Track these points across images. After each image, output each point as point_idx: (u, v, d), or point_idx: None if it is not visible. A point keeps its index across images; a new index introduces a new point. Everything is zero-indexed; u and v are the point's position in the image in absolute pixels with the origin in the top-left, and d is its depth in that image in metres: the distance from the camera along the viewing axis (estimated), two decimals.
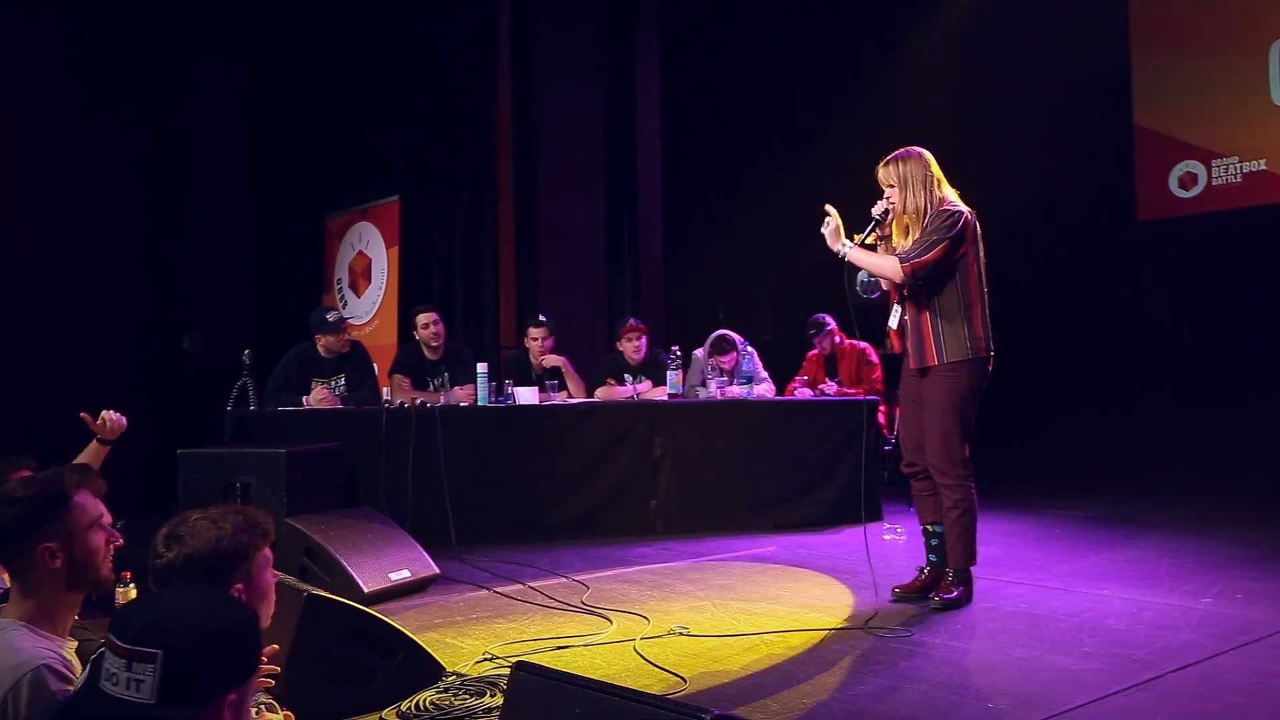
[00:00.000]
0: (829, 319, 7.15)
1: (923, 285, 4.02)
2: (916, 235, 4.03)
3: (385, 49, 9.15)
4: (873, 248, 4.16)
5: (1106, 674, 3.11)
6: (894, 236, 4.16)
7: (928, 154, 4.11)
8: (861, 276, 7.19)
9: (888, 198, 4.10)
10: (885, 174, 4.11)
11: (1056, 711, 2.80)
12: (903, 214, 4.09)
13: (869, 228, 4.11)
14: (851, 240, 4.11)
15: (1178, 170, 8.48)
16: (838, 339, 7.15)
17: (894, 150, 4.16)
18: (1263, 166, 7.99)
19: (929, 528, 4.22)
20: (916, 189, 4.05)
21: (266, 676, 2.40)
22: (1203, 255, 8.33)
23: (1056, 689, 2.98)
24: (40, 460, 3.28)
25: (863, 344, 7.21)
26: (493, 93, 8.40)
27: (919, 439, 4.15)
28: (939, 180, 4.09)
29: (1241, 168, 8.10)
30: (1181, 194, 8.46)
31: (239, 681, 1.41)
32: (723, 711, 1.70)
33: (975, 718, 2.77)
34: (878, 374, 7.05)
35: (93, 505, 2.19)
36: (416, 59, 8.93)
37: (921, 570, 4.24)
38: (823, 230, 4.14)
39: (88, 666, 1.89)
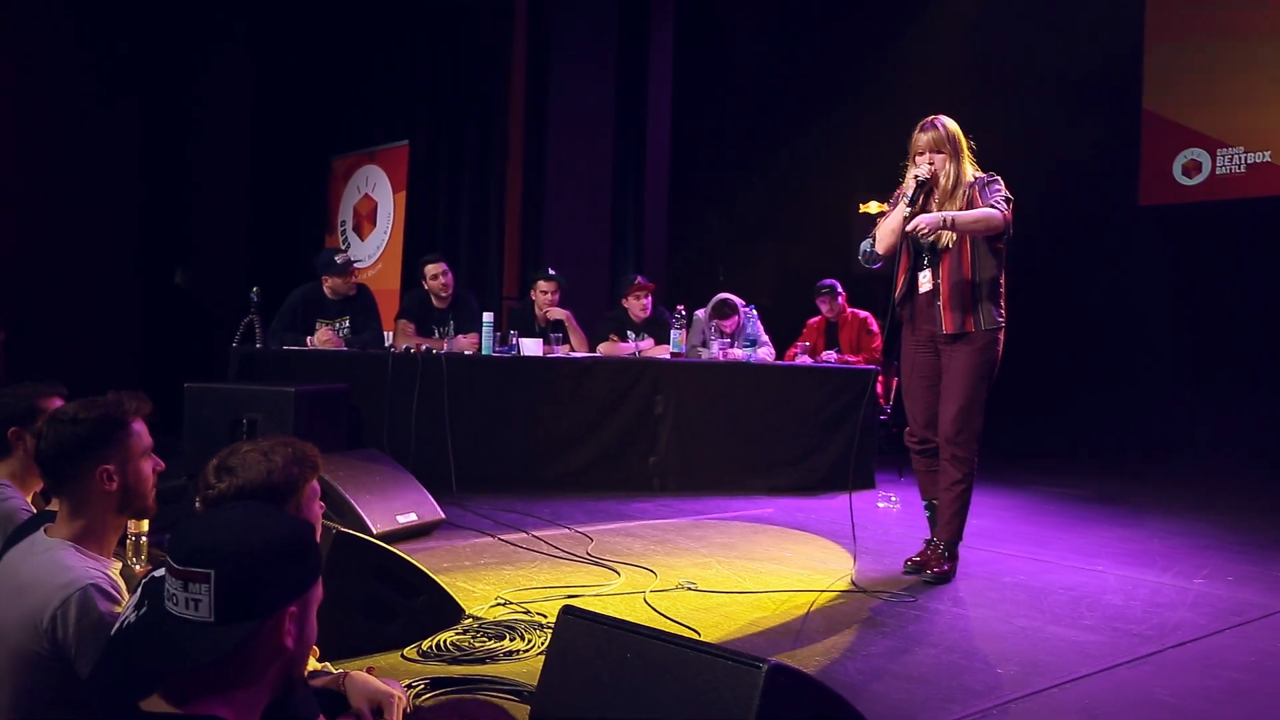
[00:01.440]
0: (838, 284, 7.19)
1: (975, 248, 3.96)
2: (957, 203, 3.92)
3: None
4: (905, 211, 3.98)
5: (1109, 646, 3.20)
6: (931, 204, 4.01)
7: None
8: (864, 246, 7.19)
9: (930, 161, 3.98)
10: (931, 139, 4.00)
11: (1064, 679, 2.88)
12: (943, 181, 3.98)
13: (915, 194, 3.93)
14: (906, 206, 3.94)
15: (1182, 157, 8.54)
16: (842, 304, 7.20)
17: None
18: (1267, 158, 8.05)
19: (934, 502, 4.18)
20: (961, 156, 4.00)
21: None
22: (1202, 243, 8.41)
23: (1062, 658, 3.06)
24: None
25: (864, 313, 7.27)
26: (507, 43, 8.34)
27: (933, 412, 4.08)
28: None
29: (1246, 158, 8.17)
30: (1185, 181, 8.52)
31: (298, 593, 1.44)
32: (779, 662, 1.75)
33: (985, 682, 2.85)
34: (878, 343, 7.11)
35: (146, 434, 2.24)
36: (431, 4, 8.83)
37: (928, 542, 4.18)
38: (915, 222, 3.86)
39: (138, 588, 1.92)
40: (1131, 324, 8.63)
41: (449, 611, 3.24)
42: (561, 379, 6.10)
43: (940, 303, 3.99)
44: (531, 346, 6.19)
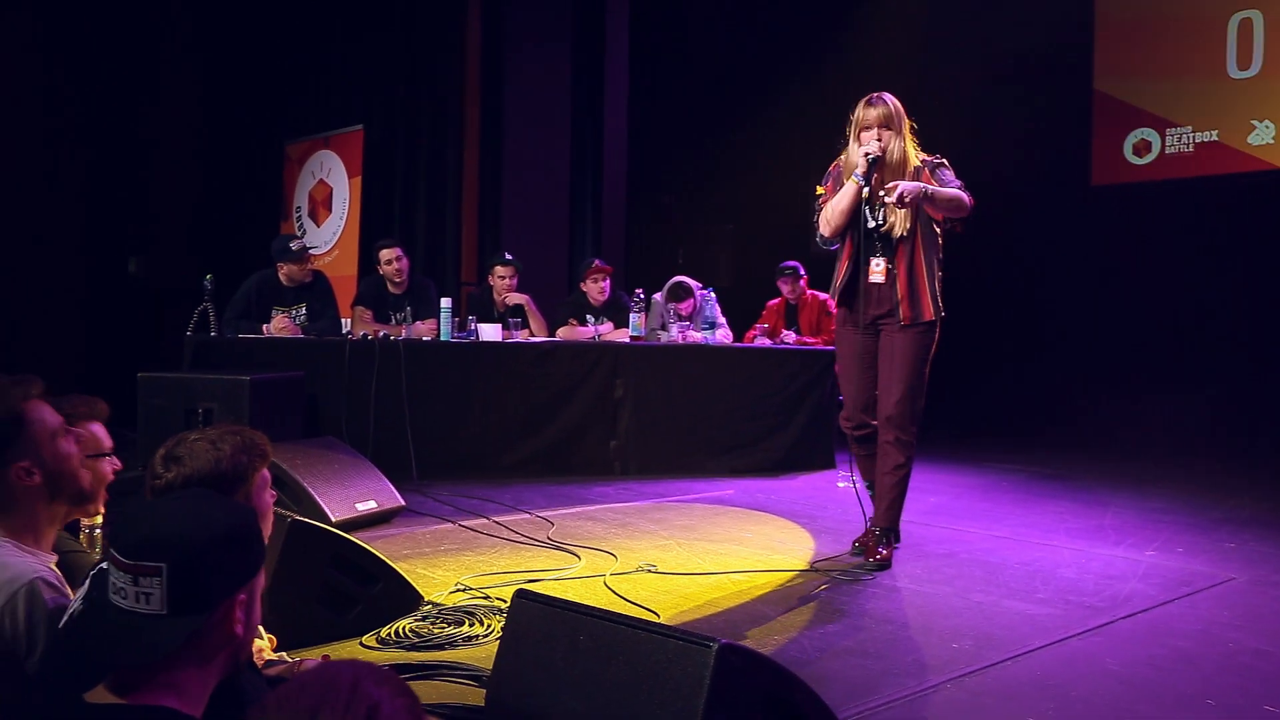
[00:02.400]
0: (800, 266, 7.22)
1: (926, 233, 3.90)
2: (905, 179, 3.81)
3: None
4: (859, 192, 3.90)
5: (1062, 619, 3.26)
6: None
7: None
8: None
9: (879, 138, 3.86)
10: (879, 114, 3.88)
11: (1017, 652, 2.92)
12: (892, 158, 3.87)
13: (868, 171, 3.82)
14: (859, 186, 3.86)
15: (1133, 137, 8.63)
16: (802, 287, 7.23)
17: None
18: (1215, 138, 8.16)
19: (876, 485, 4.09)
20: (904, 134, 3.91)
21: None
22: (1152, 222, 8.51)
23: (1016, 632, 3.11)
24: None
25: (824, 295, 7.29)
26: (461, 25, 8.28)
27: (870, 396, 4.00)
28: None
29: (1194, 137, 8.27)
30: (1135, 160, 8.62)
31: (246, 579, 1.44)
32: (730, 641, 1.76)
33: (942, 657, 2.88)
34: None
35: (49, 414, 2.11)
36: None
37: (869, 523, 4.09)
38: (892, 198, 3.74)
39: (86, 579, 1.90)
40: (1083, 303, 8.73)
41: (407, 598, 3.23)
42: (521, 364, 6.09)
43: (899, 292, 3.89)
44: (490, 332, 6.17)
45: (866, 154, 3.84)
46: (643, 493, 5.54)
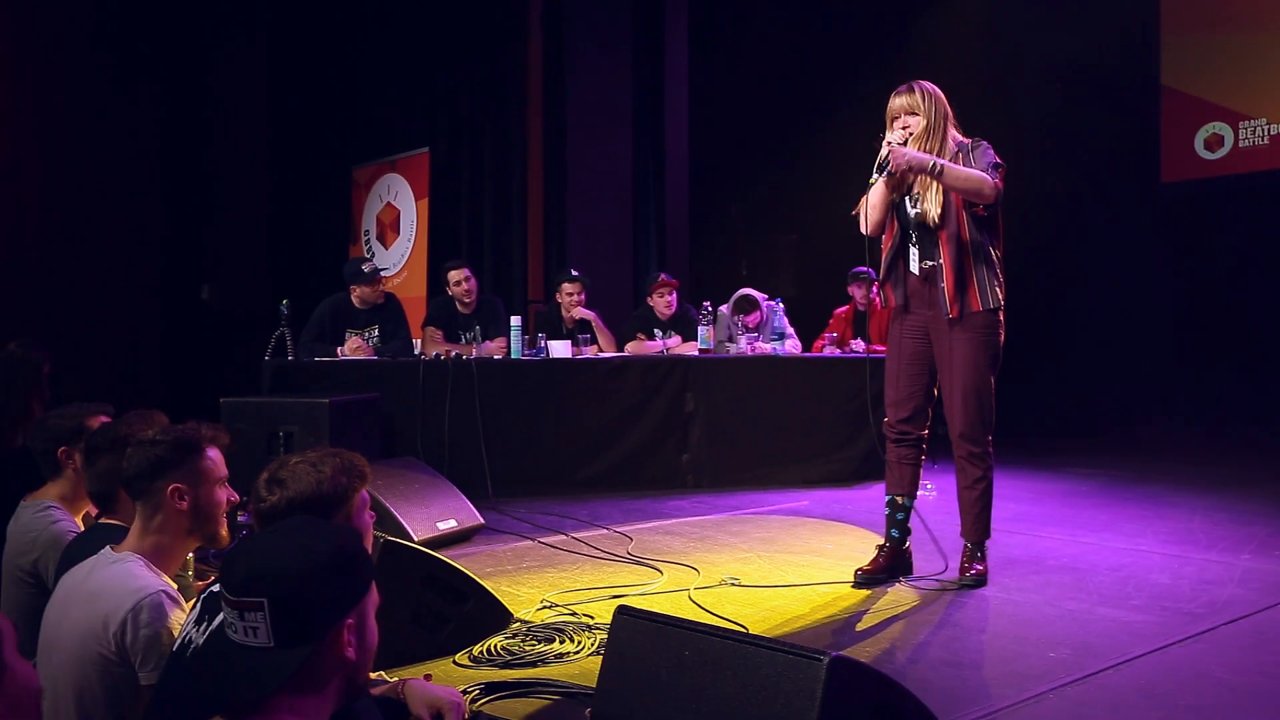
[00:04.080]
0: (873, 271, 7.17)
1: (971, 221, 3.66)
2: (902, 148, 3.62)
3: (414, 2, 9.08)
4: (871, 183, 3.72)
5: (1160, 626, 3.19)
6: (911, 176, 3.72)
7: None
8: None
9: (905, 126, 3.68)
10: (909, 101, 3.70)
11: (1117, 661, 2.87)
12: (923, 146, 3.65)
13: (886, 159, 3.61)
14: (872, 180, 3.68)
15: (1204, 132, 8.47)
16: (874, 294, 7.18)
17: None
18: None
19: (899, 499, 3.85)
20: (942, 121, 3.70)
21: None
22: (1227, 217, 8.34)
23: (1114, 640, 3.05)
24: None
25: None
26: (523, 45, 8.37)
27: (918, 404, 3.78)
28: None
29: (1269, 129, 8.09)
30: (1207, 155, 8.45)
31: (352, 605, 1.46)
32: (840, 654, 1.76)
33: (1040, 666, 2.84)
34: None
35: (222, 463, 2.32)
36: (447, 11, 8.85)
37: (880, 548, 3.86)
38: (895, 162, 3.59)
39: (197, 602, 1.96)
40: (1158, 302, 8.56)
41: (498, 616, 3.26)
42: (592, 379, 6.11)
43: (943, 284, 3.65)
44: (560, 348, 6.21)
45: (888, 141, 3.64)
46: (717, 506, 5.53)
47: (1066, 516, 5.06)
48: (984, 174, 3.57)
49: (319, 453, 2.11)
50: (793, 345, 6.62)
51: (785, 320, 6.79)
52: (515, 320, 6.17)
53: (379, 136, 9.43)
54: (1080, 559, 4.12)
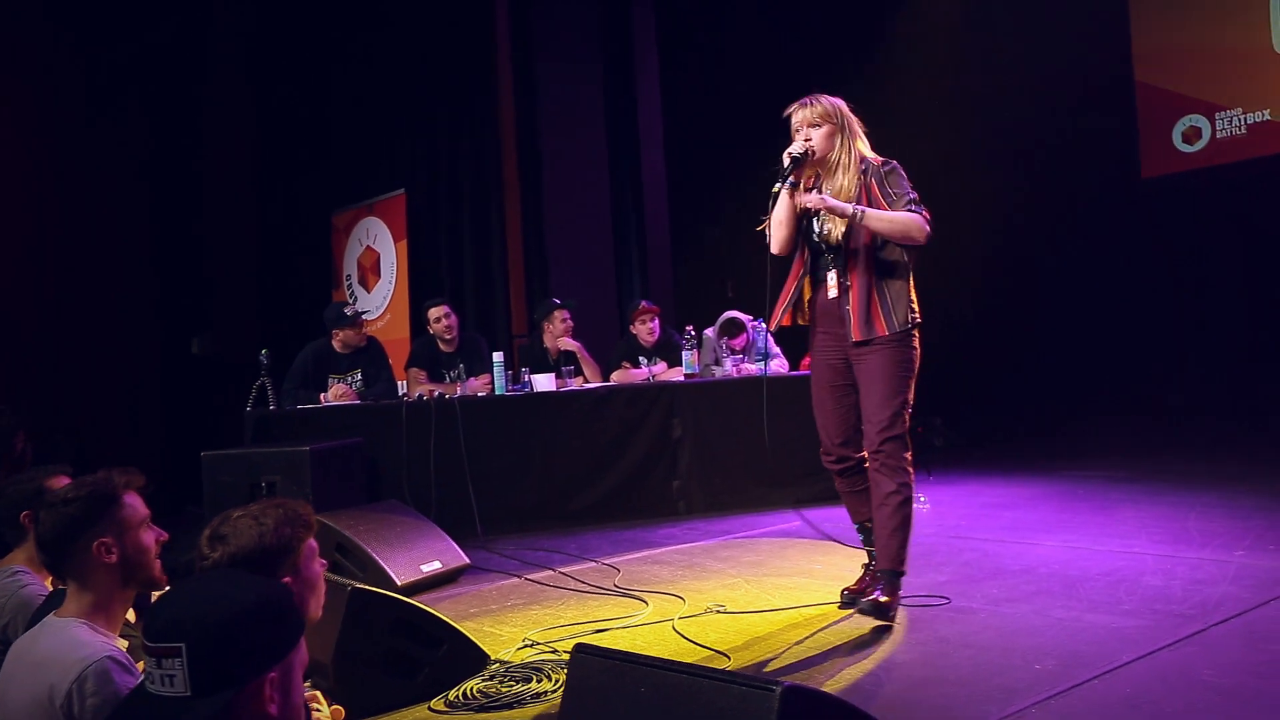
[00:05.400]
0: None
1: (883, 247, 3.49)
2: (845, 184, 3.49)
3: (384, 44, 9.12)
4: (778, 194, 3.54)
5: (1150, 630, 3.12)
6: (802, 184, 3.57)
7: None
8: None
9: (807, 138, 3.50)
10: (813, 113, 3.52)
11: (1105, 669, 2.80)
12: (828, 159, 3.52)
13: (787, 170, 3.46)
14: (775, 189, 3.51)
15: (1181, 125, 8.45)
16: None
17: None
18: (1267, 117, 7.96)
19: (867, 524, 3.73)
20: (851, 134, 3.54)
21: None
22: (1209, 210, 8.30)
23: (1103, 648, 2.98)
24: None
25: None
26: (493, 80, 8.38)
27: (850, 426, 3.62)
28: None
29: (1245, 119, 8.07)
30: (1186, 149, 8.43)
31: (276, 659, 1.42)
32: (793, 683, 1.70)
33: (1026, 679, 2.77)
34: None
35: (141, 505, 2.27)
36: (416, 51, 8.89)
37: (866, 567, 3.79)
38: (807, 201, 3.46)
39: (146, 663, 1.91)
40: (1144, 300, 8.52)
41: (473, 659, 3.19)
42: (577, 411, 6.07)
43: (849, 307, 3.49)
44: (544, 382, 6.17)
45: (789, 153, 3.49)
46: (709, 531, 5.47)
47: (1060, 521, 4.99)
48: (912, 217, 3.41)
49: (262, 504, 2.07)
50: (779, 365, 6.57)
51: (771, 340, 6.74)
52: (498, 356, 6.14)
53: (356, 180, 9.45)
54: (1072, 565, 4.06)
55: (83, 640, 2.08)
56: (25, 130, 8.90)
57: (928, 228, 3.43)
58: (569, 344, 6.60)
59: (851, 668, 3.01)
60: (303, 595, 2.02)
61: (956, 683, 2.80)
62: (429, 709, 2.97)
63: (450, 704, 2.97)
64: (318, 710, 2.43)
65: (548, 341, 6.70)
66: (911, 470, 3.50)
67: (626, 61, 8.64)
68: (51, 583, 2.95)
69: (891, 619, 3.37)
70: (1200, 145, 8.33)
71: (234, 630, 1.37)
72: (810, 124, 3.53)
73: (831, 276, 3.56)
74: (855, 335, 3.48)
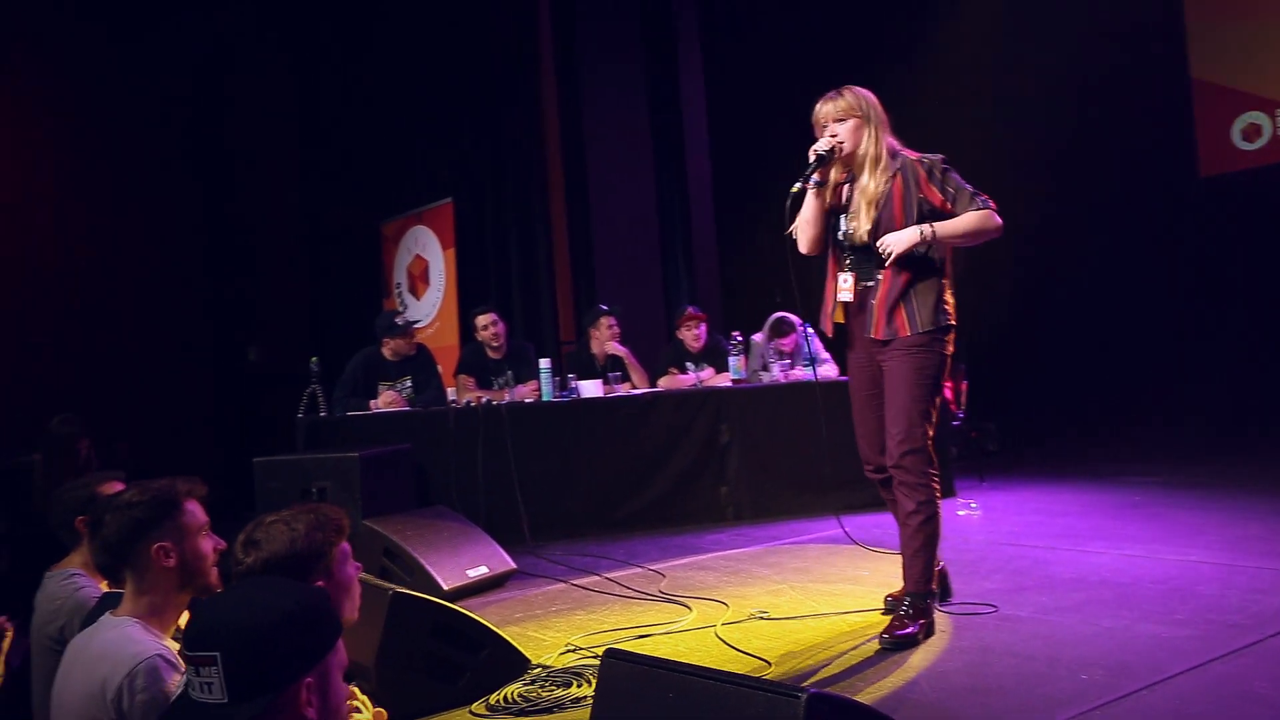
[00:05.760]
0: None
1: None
2: (873, 185, 3.34)
3: (429, 54, 9.24)
4: (802, 194, 3.43)
5: (1202, 641, 3.04)
6: (831, 178, 3.46)
7: None
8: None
9: (833, 134, 3.37)
10: (839, 107, 3.37)
11: (1152, 681, 2.74)
12: (857, 154, 3.38)
13: (812, 168, 3.34)
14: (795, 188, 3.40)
15: (1240, 122, 8.25)
16: None
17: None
18: None
19: None
20: (880, 128, 3.37)
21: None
22: (1270, 208, 8.08)
23: (1151, 658, 2.92)
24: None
25: None
26: (537, 88, 8.45)
27: (884, 436, 3.46)
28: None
29: None
30: (1245, 146, 8.23)
31: (311, 664, 1.44)
32: (818, 690, 1.69)
33: (1068, 690, 2.72)
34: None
35: (201, 513, 2.33)
36: (460, 60, 8.98)
37: None
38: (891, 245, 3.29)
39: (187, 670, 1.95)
40: (1201, 300, 8.32)
41: (514, 663, 3.21)
42: (623, 417, 6.08)
43: (874, 302, 3.38)
44: (591, 388, 6.18)
45: (814, 149, 3.34)
46: (756, 537, 5.45)
47: (1114, 528, 4.89)
48: (977, 213, 3.28)
49: (294, 510, 2.10)
50: (829, 369, 6.52)
51: (819, 344, 6.69)
52: (544, 362, 6.17)
53: (404, 190, 9.58)
54: (1124, 573, 3.97)
55: (135, 638, 2.14)
56: (87, 152, 9.18)
57: (998, 218, 3.30)
58: (616, 349, 6.61)
59: (893, 675, 2.98)
60: (337, 598, 2.05)
61: (999, 692, 2.75)
62: (470, 712, 2.99)
63: (491, 707, 2.99)
64: (360, 713, 2.46)
65: (595, 348, 6.72)
66: (936, 485, 3.36)
67: (670, 64, 8.65)
68: (106, 586, 3.03)
69: (920, 643, 3.22)
70: (1261, 143, 8.12)
71: (269, 637, 1.40)
72: (836, 118, 3.39)
73: (847, 277, 3.44)
74: (876, 334, 3.36)
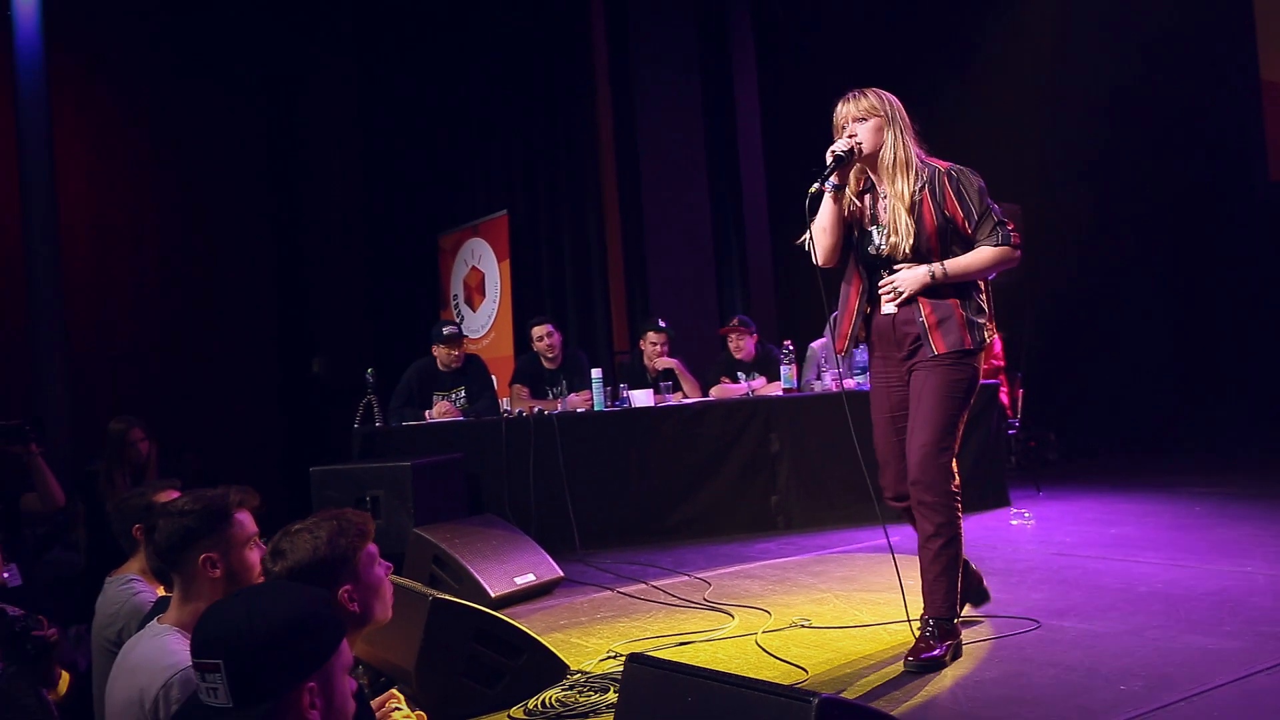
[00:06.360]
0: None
1: (947, 251, 3.20)
2: (905, 189, 3.18)
3: (485, 68, 9.38)
4: (818, 197, 3.27)
5: (1249, 653, 2.98)
6: (851, 185, 3.31)
7: None
8: None
9: (852, 134, 3.21)
10: (859, 107, 3.22)
11: (1192, 693, 2.69)
12: (879, 158, 3.22)
13: (829, 170, 3.18)
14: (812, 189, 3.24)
15: None
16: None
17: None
18: None
19: None
20: (903, 131, 3.22)
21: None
22: None
23: (1195, 669, 2.87)
24: (184, 483, 3.51)
25: None
26: (591, 100, 8.53)
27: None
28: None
29: None
30: None
31: (312, 668, 1.50)
32: (830, 695, 1.71)
33: (1107, 700, 2.69)
34: (998, 355, 6.90)
35: (250, 524, 2.37)
36: (515, 73, 9.11)
37: None
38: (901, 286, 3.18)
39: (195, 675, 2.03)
40: (1272, 310, 8.10)
41: (552, 668, 3.26)
42: (674, 427, 6.11)
43: (925, 321, 3.19)
44: (642, 398, 6.23)
45: (832, 150, 3.18)
46: (804, 546, 5.44)
47: (1168, 539, 4.80)
48: (995, 250, 3.14)
49: (318, 518, 2.16)
50: None
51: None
52: (596, 372, 6.24)
53: (460, 203, 9.73)
54: (1175, 584, 3.90)
55: (171, 649, 2.20)
56: (163, 172, 9.50)
57: (1018, 251, 3.15)
58: (666, 362, 6.65)
59: (930, 685, 2.97)
60: (366, 600, 2.12)
61: (1034, 703, 2.73)
62: (508, 716, 3.04)
63: (529, 712, 3.04)
64: (399, 710, 2.52)
65: (646, 360, 6.77)
66: (957, 504, 3.19)
67: (725, 73, 8.68)
68: (161, 591, 3.14)
69: (947, 664, 3.10)
70: None
71: (268, 645, 1.46)
72: (856, 119, 3.22)
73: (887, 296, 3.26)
74: (938, 348, 3.17)
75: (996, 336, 6.89)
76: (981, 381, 6.19)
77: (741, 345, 6.70)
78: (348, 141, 10.57)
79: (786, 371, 6.35)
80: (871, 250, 3.27)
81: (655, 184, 8.32)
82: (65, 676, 2.93)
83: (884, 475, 3.42)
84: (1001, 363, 6.81)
